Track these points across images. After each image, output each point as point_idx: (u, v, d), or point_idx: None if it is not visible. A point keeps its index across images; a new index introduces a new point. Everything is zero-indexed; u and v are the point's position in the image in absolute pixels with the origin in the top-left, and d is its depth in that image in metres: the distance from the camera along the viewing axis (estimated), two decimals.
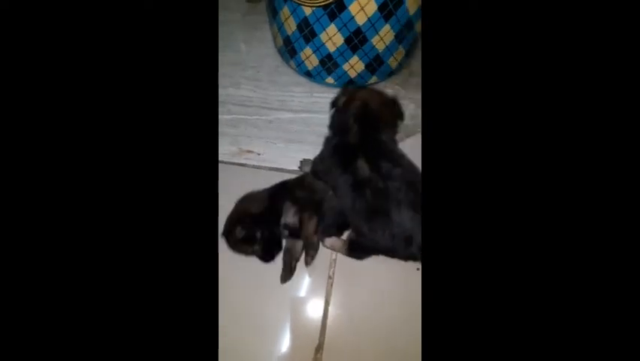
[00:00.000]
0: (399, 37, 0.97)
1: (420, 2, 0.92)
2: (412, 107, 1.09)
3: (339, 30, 0.93)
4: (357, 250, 0.81)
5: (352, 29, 0.92)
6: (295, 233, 0.83)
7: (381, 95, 0.92)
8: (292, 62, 1.11)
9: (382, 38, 0.95)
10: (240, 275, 0.82)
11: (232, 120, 1.07)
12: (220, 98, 1.10)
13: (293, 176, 0.95)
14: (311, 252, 0.82)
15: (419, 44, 1.14)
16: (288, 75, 1.16)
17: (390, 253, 0.77)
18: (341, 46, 0.96)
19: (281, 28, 1.04)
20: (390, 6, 0.88)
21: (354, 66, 1.02)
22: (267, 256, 0.81)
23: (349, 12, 0.89)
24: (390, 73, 1.11)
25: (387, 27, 0.93)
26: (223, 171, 0.96)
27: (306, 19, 0.94)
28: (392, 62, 1.05)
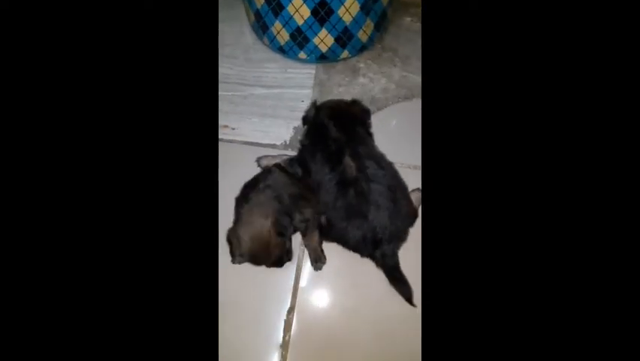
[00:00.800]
0: (365, 9, 0.99)
1: None
2: (383, 82, 1.12)
3: (305, 2, 0.95)
4: (325, 235, 0.84)
5: (317, 1, 0.94)
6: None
7: (344, 100, 0.98)
8: (265, 39, 1.13)
9: (348, 10, 0.97)
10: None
11: None
12: None
13: (266, 150, 0.98)
14: (319, 264, 0.84)
15: (388, 17, 1.16)
16: (263, 52, 1.18)
17: (356, 250, 0.80)
18: (308, 18, 0.99)
19: (251, 2, 1.06)
20: None
21: (324, 40, 1.04)
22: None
23: None
24: (362, 48, 1.12)
25: None
26: None
27: None
28: (362, 36, 1.07)
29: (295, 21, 1.00)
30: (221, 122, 1.05)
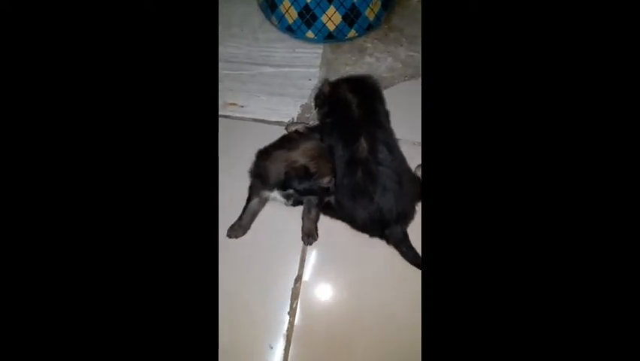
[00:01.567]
0: None
1: None
2: (389, 61, 1.13)
3: None
4: (331, 213, 0.86)
5: None
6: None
7: (359, 75, 0.99)
8: (274, 18, 1.14)
9: None
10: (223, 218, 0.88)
11: None
12: None
13: (274, 127, 1.00)
14: (310, 239, 0.86)
15: None
16: (271, 32, 1.19)
17: (364, 230, 0.82)
18: None
19: None
20: None
21: (331, 18, 1.05)
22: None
23: None
24: (369, 27, 1.13)
25: None
26: None
27: None
28: (369, 14, 1.08)
29: None
30: (229, 100, 1.07)
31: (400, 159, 0.84)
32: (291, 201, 0.86)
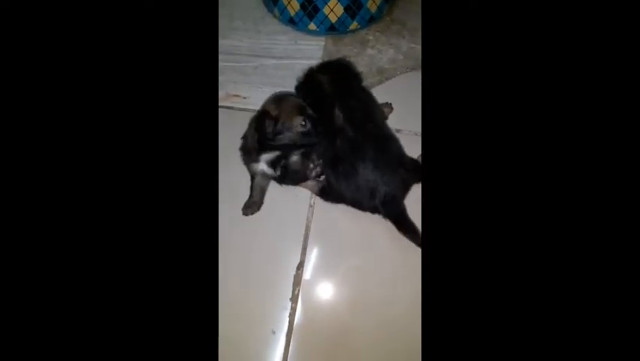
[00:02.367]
0: None
1: None
2: (391, 52, 1.14)
3: None
4: (327, 196, 0.87)
5: None
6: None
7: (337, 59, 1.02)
8: (276, 11, 1.15)
9: None
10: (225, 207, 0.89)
11: (219, 68, 1.12)
12: None
13: None
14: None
15: None
16: (273, 25, 1.20)
17: (356, 204, 0.83)
18: None
19: None
20: None
21: (333, 9, 1.05)
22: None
23: None
24: (371, 19, 1.14)
25: None
26: None
27: None
28: (371, 6, 1.09)
29: None
30: (232, 91, 1.08)
31: (380, 126, 0.85)
32: (278, 170, 0.86)
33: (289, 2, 1.07)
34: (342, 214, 0.87)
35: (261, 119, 0.82)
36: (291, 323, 0.80)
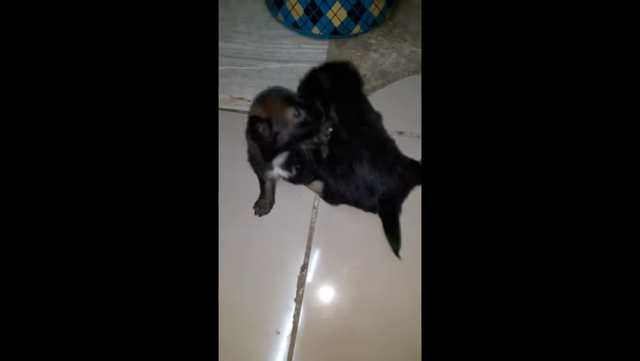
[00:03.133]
0: None
1: None
2: (394, 56, 1.15)
3: None
4: (329, 198, 0.88)
5: None
6: None
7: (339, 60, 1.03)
8: (280, 15, 1.16)
9: None
10: (227, 207, 0.90)
11: (223, 71, 1.14)
12: None
13: None
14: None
15: None
16: (277, 29, 1.22)
17: (357, 203, 0.84)
18: None
19: None
20: None
21: (337, 14, 1.07)
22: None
23: None
24: (374, 23, 1.15)
25: None
26: None
27: None
28: (374, 10, 1.10)
29: None
30: (236, 94, 1.09)
31: (376, 128, 0.85)
32: (293, 171, 0.84)
33: (293, 7, 1.09)
34: (345, 216, 0.88)
35: (253, 126, 0.78)
36: (295, 323, 0.81)
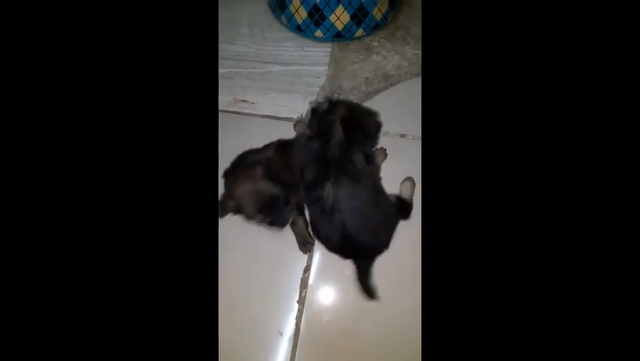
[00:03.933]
0: None
1: None
2: (396, 59, 1.16)
3: None
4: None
5: None
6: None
7: (361, 106, 1.00)
8: (283, 17, 1.17)
9: None
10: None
11: (227, 73, 1.14)
12: None
13: (284, 123, 1.03)
14: (308, 246, 0.87)
15: None
16: (280, 31, 1.22)
17: (336, 252, 0.82)
18: None
19: None
20: None
21: (340, 17, 1.07)
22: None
23: None
24: (376, 26, 1.16)
25: None
26: (219, 119, 1.05)
27: None
28: (377, 14, 1.11)
29: None
30: (240, 96, 1.10)
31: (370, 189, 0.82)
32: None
33: (297, 10, 1.09)
34: None
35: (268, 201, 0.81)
36: (298, 324, 0.82)
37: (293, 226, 0.87)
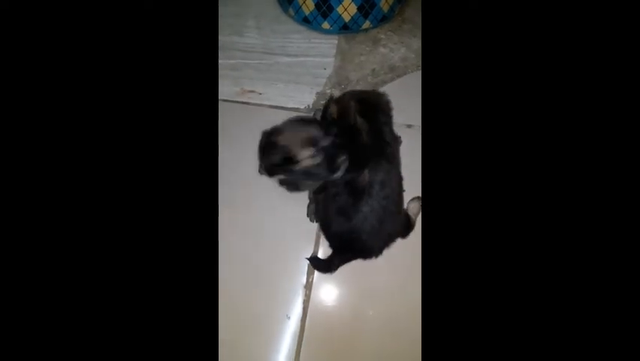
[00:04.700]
0: None
1: None
2: (403, 51, 1.17)
3: None
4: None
5: None
6: None
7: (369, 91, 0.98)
8: (290, 10, 1.18)
9: None
10: (240, 196, 0.93)
11: (235, 64, 1.16)
12: (224, 45, 1.19)
13: (291, 113, 1.04)
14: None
15: None
16: (288, 24, 1.24)
17: (330, 240, 0.83)
18: None
19: None
20: None
21: (347, 9, 1.09)
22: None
23: None
24: (383, 18, 1.17)
25: None
26: (227, 110, 1.07)
27: None
28: (384, 6, 1.12)
29: None
30: (248, 87, 1.11)
31: (392, 198, 0.80)
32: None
33: (304, 2, 1.11)
34: None
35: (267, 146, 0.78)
36: (305, 308, 0.83)
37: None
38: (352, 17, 1.11)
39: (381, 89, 1.09)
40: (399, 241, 0.84)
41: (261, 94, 1.10)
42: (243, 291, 0.84)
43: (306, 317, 0.83)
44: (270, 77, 1.13)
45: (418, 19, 1.23)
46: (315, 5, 1.10)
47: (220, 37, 1.22)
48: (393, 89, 1.09)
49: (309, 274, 0.86)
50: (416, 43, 1.18)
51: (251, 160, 0.93)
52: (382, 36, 1.20)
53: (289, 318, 0.83)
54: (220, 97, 1.09)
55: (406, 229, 0.86)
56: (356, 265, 0.87)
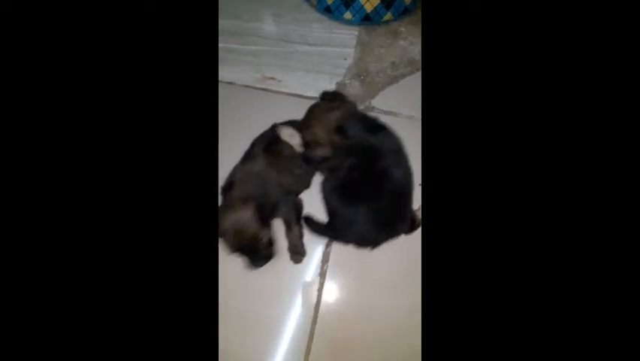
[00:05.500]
0: None
1: None
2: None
3: None
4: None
5: None
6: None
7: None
8: None
9: None
10: None
11: (256, 51, 1.16)
12: (244, 31, 1.19)
13: (310, 102, 1.04)
14: (298, 257, 0.86)
15: None
16: (309, 12, 1.23)
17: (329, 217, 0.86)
18: None
19: None
20: None
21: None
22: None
23: None
24: (405, 11, 1.16)
25: None
26: (247, 96, 1.07)
27: None
28: None
29: None
30: (268, 73, 1.11)
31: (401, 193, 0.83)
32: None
33: None
34: None
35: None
36: (319, 296, 0.83)
37: (288, 232, 0.86)
38: (375, 8, 1.11)
39: (401, 82, 1.09)
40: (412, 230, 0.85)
41: (280, 81, 1.10)
42: (259, 279, 0.84)
43: (319, 304, 0.82)
44: (290, 65, 1.13)
45: None
46: None
47: (241, 23, 1.22)
48: (413, 82, 1.09)
49: (324, 263, 0.87)
50: None
51: None
52: (403, 29, 1.19)
53: (303, 306, 0.83)
54: (240, 82, 1.09)
55: (410, 227, 0.85)
56: (369, 253, 0.86)
